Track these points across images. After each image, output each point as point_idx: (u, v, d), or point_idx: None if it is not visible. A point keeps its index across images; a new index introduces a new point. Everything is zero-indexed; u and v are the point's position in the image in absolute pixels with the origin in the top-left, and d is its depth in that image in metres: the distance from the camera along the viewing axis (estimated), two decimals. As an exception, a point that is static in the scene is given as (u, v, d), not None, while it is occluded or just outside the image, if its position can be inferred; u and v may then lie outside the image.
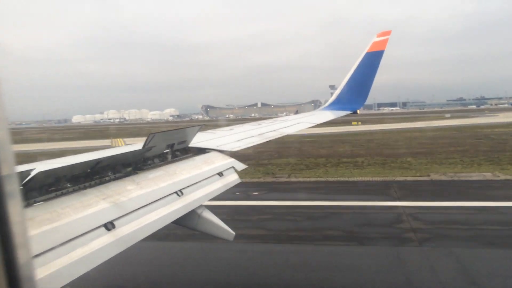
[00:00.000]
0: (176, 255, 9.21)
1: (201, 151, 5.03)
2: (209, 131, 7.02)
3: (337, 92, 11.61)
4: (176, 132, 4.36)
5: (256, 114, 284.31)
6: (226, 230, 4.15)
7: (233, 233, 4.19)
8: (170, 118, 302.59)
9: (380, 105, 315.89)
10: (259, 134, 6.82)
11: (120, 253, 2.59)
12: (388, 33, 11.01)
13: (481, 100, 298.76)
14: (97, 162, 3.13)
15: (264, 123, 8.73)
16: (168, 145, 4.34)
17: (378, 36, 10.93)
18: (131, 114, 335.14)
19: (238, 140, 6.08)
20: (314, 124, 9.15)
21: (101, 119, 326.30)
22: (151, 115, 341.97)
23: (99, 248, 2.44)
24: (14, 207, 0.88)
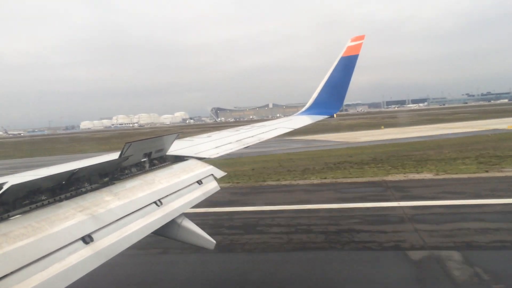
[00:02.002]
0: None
1: (179, 159, 5.00)
2: (187, 138, 6.97)
3: (313, 96, 11.75)
4: (153, 141, 4.31)
5: (269, 115, 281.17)
6: (206, 239, 4.13)
7: (214, 241, 4.17)
8: (192, 121, 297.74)
9: (389, 103, 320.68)
10: (237, 141, 6.82)
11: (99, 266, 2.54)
12: (362, 37, 11.25)
13: (487, 96, 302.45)
14: (73, 173, 3.07)
15: (242, 129, 8.74)
16: (145, 154, 4.28)
17: (352, 40, 11.16)
18: (142, 119, 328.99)
19: (216, 147, 6.07)
20: (292, 129, 9.23)
21: (112, 124, 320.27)
22: (163, 118, 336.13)
23: (77, 262, 2.39)
24: None
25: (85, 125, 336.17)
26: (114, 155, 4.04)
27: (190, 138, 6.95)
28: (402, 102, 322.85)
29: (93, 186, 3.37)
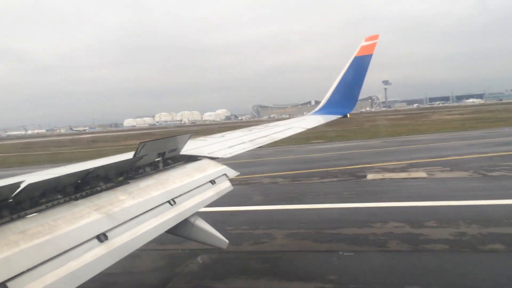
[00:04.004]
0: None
1: (192, 158, 5.02)
2: (200, 138, 7.00)
3: (327, 96, 11.69)
4: (167, 140, 4.34)
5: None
6: (219, 238, 4.15)
7: (227, 241, 4.19)
8: (242, 118, 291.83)
9: (432, 99, 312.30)
10: (250, 140, 6.82)
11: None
12: (376, 37, 11.15)
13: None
14: (88, 172, 3.10)
15: (255, 129, 8.73)
16: (159, 154, 4.31)
17: (366, 40, 11.07)
18: (184, 116, 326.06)
19: (230, 147, 6.07)
20: (305, 129, 9.19)
21: (157, 122, 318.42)
22: (206, 116, 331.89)
23: (92, 260, 2.41)
24: None
25: (129, 122, 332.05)
26: (129, 155, 4.08)
27: (203, 138, 6.98)
28: (445, 99, 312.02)
29: (108, 185, 3.40)
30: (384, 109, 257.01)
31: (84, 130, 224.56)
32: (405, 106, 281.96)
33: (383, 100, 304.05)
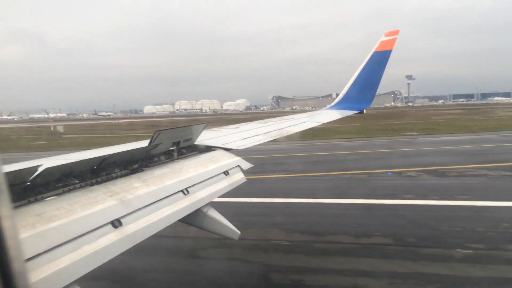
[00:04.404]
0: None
1: (207, 149, 5.03)
2: (215, 128, 7.02)
3: (343, 91, 11.57)
4: (182, 130, 4.36)
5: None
6: (231, 229, 4.16)
7: (238, 232, 4.20)
8: (264, 108, 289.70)
9: (456, 96, 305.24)
10: (264, 133, 6.80)
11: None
12: (396, 32, 10.95)
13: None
14: (104, 158, 3.14)
15: (270, 121, 8.71)
16: (174, 143, 4.34)
17: (386, 35, 10.88)
18: (204, 105, 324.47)
19: (244, 139, 6.07)
20: (320, 123, 9.13)
21: (177, 110, 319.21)
22: (226, 105, 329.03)
23: (106, 245, 2.44)
24: (2, 207, 0.88)
25: (149, 109, 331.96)
26: (144, 143, 4.11)
27: (218, 129, 6.99)
28: (470, 96, 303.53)
29: (123, 172, 3.44)
30: (410, 104, 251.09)
31: (108, 115, 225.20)
32: (427, 102, 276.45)
33: (406, 95, 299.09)
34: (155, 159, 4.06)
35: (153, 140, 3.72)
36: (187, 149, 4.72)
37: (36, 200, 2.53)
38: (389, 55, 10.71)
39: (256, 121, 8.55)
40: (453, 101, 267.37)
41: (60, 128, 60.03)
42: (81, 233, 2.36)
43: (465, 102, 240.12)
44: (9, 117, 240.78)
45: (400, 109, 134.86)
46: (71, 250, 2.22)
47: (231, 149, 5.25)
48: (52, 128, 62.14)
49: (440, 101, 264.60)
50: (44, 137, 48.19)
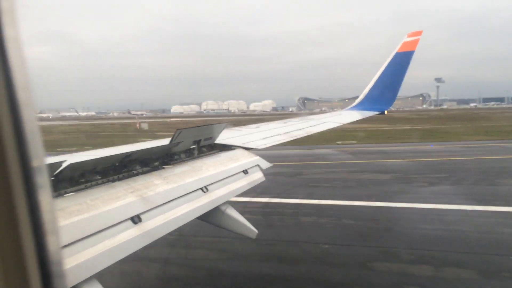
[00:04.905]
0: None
1: (226, 147, 5.05)
2: (236, 128, 7.03)
3: (365, 92, 11.43)
4: (203, 129, 4.39)
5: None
6: (249, 228, 4.16)
7: (256, 231, 4.19)
8: (293, 109, 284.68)
9: (485, 100, 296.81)
10: (285, 133, 6.78)
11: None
12: (419, 33, 10.75)
13: None
14: (126, 155, 3.18)
15: (290, 121, 8.68)
16: (194, 141, 4.37)
17: (409, 36, 10.69)
18: (231, 106, 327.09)
19: (264, 138, 6.06)
20: (341, 124, 9.04)
21: (204, 110, 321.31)
22: (253, 106, 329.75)
23: (125, 240, 2.47)
24: (45, 197, 0.90)
25: (176, 109, 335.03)
26: (165, 141, 4.15)
27: (238, 128, 7.01)
28: (500, 100, 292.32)
29: (144, 169, 3.48)
30: (439, 107, 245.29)
31: (142, 114, 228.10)
32: (455, 105, 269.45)
33: (434, 98, 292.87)
34: (176, 157, 4.10)
35: (174, 138, 3.76)
36: (207, 147, 4.75)
37: (59, 195, 2.58)
38: (412, 56, 10.52)
39: (277, 121, 8.53)
40: (483, 105, 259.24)
41: (145, 126, 62.47)
42: (102, 228, 2.40)
43: (495, 105, 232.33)
44: (83, 114, 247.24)
45: (451, 111, 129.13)
46: (92, 245, 2.26)
47: (251, 148, 5.25)
48: (137, 125, 64.64)
49: (472, 104, 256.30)
50: (136, 133, 49.93)
